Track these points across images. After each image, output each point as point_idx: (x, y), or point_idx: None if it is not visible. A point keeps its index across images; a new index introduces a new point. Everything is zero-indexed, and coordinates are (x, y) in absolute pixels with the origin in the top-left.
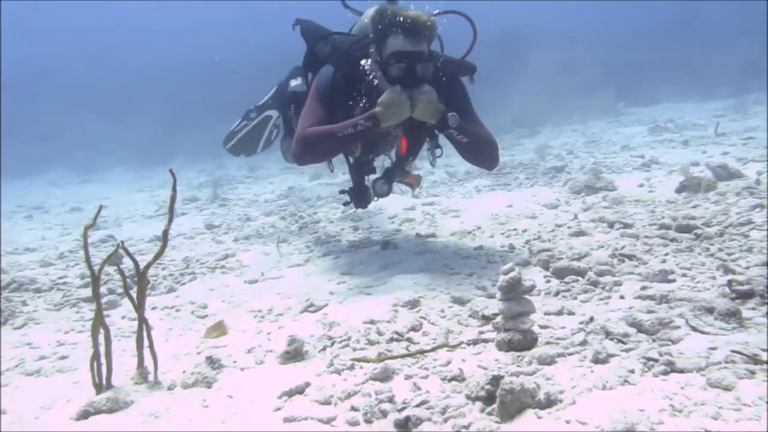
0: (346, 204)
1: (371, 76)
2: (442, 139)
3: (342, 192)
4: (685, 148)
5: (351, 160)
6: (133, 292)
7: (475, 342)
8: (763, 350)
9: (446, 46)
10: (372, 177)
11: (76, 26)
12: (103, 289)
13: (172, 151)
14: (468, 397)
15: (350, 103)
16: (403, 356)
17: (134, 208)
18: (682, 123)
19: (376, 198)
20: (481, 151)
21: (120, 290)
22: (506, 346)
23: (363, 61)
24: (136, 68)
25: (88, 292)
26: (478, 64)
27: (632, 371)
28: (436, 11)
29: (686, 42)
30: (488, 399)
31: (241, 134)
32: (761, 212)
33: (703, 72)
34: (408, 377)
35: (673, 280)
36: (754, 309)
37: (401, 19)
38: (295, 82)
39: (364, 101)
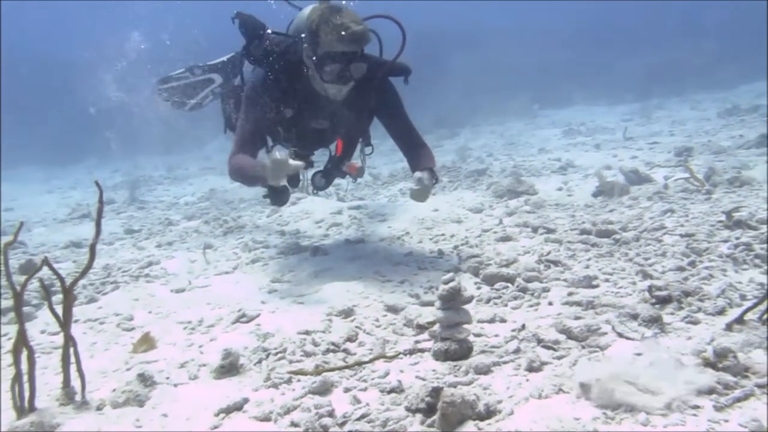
0: (264, 197)
1: (304, 77)
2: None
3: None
4: (598, 151)
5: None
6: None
7: (411, 352)
8: (683, 354)
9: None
10: (310, 172)
11: None
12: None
13: (82, 150)
14: (408, 409)
15: (282, 105)
16: (340, 368)
17: (44, 210)
18: (594, 126)
19: (315, 191)
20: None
21: (35, 302)
22: (443, 355)
23: (297, 62)
24: (43, 59)
25: None
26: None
27: (565, 379)
28: (366, 16)
29: (595, 47)
30: (428, 411)
31: (177, 83)
32: (671, 217)
33: (610, 77)
34: (347, 390)
35: (597, 286)
36: (672, 314)
37: (336, 20)
38: None
39: (295, 103)
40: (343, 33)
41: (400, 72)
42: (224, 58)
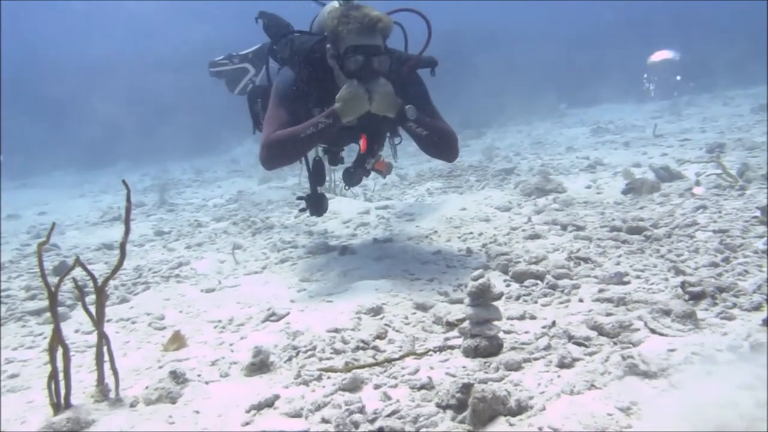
0: (302, 210)
1: (331, 75)
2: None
3: (299, 198)
4: (627, 149)
5: (310, 165)
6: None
7: (441, 349)
8: (718, 351)
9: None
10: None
11: (5, 20)
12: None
13: (112, 155)
14: (439, 405)
15: (313, 104)
16: (370, 365)
17: (76, 214)
18: (622, 124)
19: (347, 187)
20: (440, 143)
21: (69, 302)
22: (473, 352)
23: (322, 61)
24: (74, 67)
25: (33, 305)
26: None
27: (597, 375)
28: (390, 10)
29: (622, 45)
30: (459, 407)
31: (224, 69)
32: (704, 213)
33: (638, 74)
34: (377, 387)
35: (628, 282)
36: (706, 310)
37: (357, 14)
38: None
39: (323, 101)
40: (363, 27)
41: (427, 64)
42: (252, 49)
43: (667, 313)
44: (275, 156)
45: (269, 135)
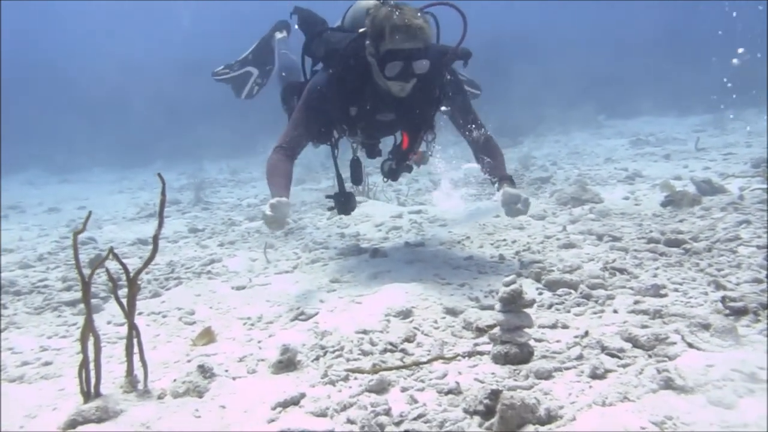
0: (330, 209)
1: (369, 72)
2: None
3: (328, 197)
4: (667, 161)
5: (345, 164)
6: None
7: (470, 354)
8: (761, 369)
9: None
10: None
11: (53, 22)
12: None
13: (150, 153)
14: (466, 411)
15: (347, 102)
16: (398, 368)
17: (114, 209)
18: (663, 137)
19: (385, 180)
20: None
21: (103, 294)
22: (502, 359)
23: (359, 59)
24: (115, 68)
25: (70, 295)
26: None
27: (631, 387)
28: (424, 5)
29: (663, 56)
30: (487, 413)
31: (226, 77)
32: (747, 228)
33: (680, 87)
34: (404, 389)
35: (666, 295)
36: (748, 326)
37: (396, 17)
38: (280, 35)
39: (360, 99)
40: (404, 30)
41: (462, 57)
42: (250, 50)
43: (705, 327)
44: (266, 169)
45: (276, 149)
